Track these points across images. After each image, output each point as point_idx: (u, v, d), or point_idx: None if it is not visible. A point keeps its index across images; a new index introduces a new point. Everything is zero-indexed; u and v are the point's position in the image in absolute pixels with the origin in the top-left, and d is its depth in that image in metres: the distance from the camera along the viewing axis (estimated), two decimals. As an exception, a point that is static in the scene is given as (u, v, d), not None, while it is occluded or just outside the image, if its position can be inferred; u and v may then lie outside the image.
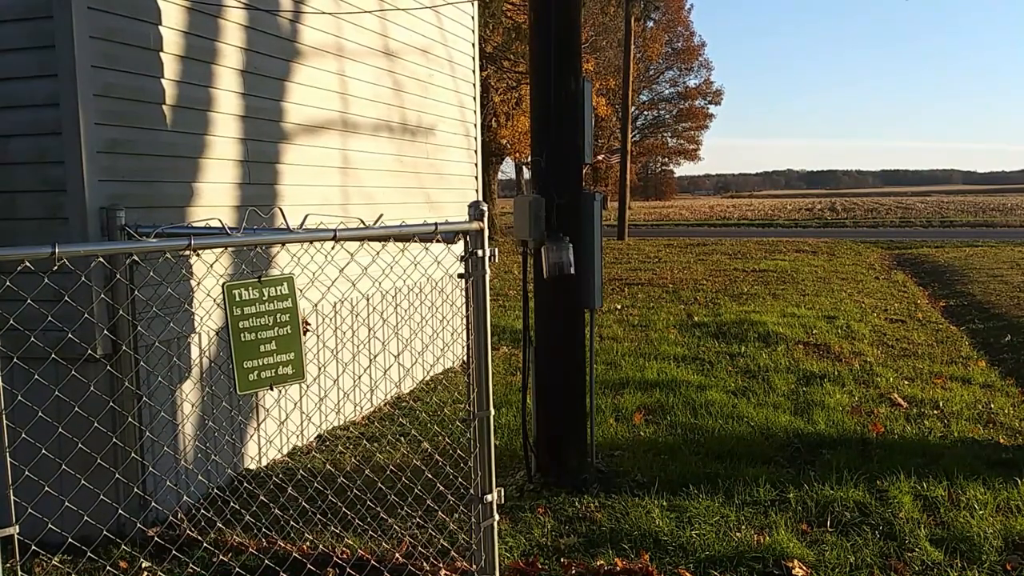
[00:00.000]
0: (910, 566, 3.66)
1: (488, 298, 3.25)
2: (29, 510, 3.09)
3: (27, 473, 3.08)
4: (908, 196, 78.67)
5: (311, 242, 2.80)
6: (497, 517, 3.38)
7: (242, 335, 2.80)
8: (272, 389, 2.93)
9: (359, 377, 5.96)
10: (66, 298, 3.25)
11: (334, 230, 2.81)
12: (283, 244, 2.80)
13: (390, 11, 6.42)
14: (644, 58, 49.15)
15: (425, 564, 3.62)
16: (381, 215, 2.98)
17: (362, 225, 2.96)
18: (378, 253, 3.97)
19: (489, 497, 3.32)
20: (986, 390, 6.60)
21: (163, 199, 4.22)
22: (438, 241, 3.09)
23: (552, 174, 4.54)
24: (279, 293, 2.90)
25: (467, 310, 3.23)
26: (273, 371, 2.92)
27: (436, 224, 3.02)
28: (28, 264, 2.17)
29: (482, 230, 3.14)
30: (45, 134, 3.77)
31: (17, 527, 2.30)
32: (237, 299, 2.79)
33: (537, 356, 4.71)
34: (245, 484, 4.55)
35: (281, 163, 5.15)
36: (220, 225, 2.95)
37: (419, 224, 3.06)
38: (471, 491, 3.33)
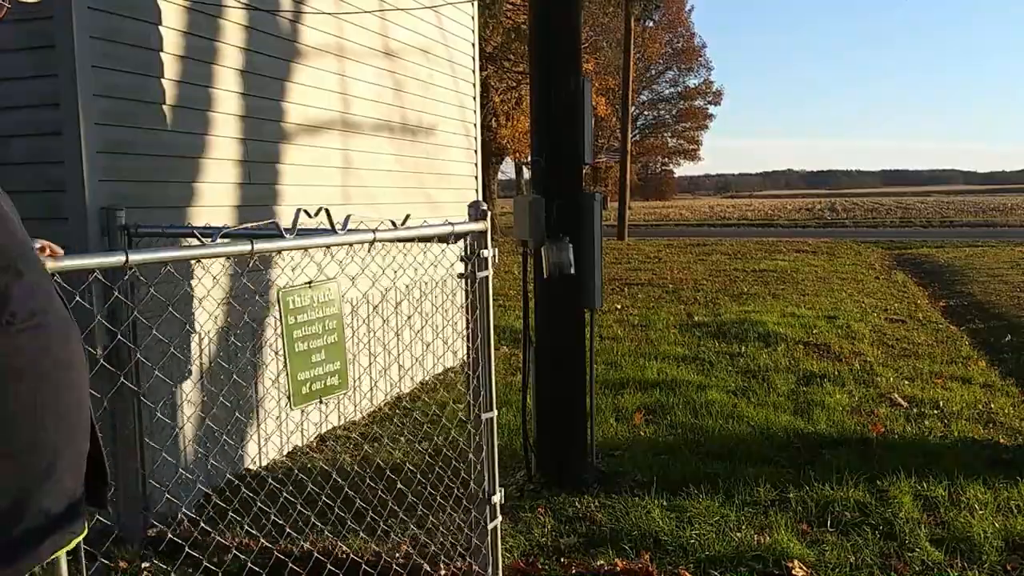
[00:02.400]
0: (910, 566, 3.66)
1: (491, 298, 3.25)
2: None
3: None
4: (908, 196, 78.64)
5: (351, 244, 2.71)
6: (500, 517, 3.39)
7: (296, 344, 2.64)
8: (322, 402, 2.79)
9: (359, 377, 5.96)
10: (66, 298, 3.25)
11: (374, 231, 2.76)
12: (327, 247, 2.69)
13: (390, 11, 6.42)
14: (644, 58, 49.17)
15: (426, 564, 3.62)
16: (408, 215, 2.96)
17: (392, 226, 2.92)
18: (378, 253, 3.97)
19: (494, 498, 3.33)
20: (986, 390, 6.60)
21: (163, 199, 4.22)
22: (440, 241, 3.10)
23: (552, 174, 4.54)
24: (326, 299, 2.74)
25: (467, 311, 3.23)
26: (323, 382, 2.75)
27: (452, 224, 3.04)
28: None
29: (485, 230, 3.15)
30: (45, 134, 3.77)
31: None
32: (291, 306, 2.62)
33: (537, 356, 4.71)
34: (245, 484, 4.55)
35: (282, 163, 5.15)
36: (246, 226, 2.76)
37: (439, 224, 3.06)
38: (479, 494, 3.33)
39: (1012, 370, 7.24)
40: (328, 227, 2.63)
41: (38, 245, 1.82)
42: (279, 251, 2.52)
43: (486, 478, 3.30)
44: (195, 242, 2.26)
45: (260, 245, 2.37)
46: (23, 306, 1.54)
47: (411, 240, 3.13)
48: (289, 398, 2.68)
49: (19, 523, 1.53)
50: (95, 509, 1.77)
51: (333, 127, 5.71)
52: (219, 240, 2.28)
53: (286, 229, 2.47)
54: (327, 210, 2.56)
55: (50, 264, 1.78)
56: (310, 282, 2.72)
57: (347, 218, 2.67)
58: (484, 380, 3.26)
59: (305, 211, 2.47)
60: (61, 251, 1.93)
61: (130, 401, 3.87)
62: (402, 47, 6.61)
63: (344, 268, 3.78)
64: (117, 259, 2.01)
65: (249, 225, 2.59)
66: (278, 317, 2.60)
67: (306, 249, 2.62)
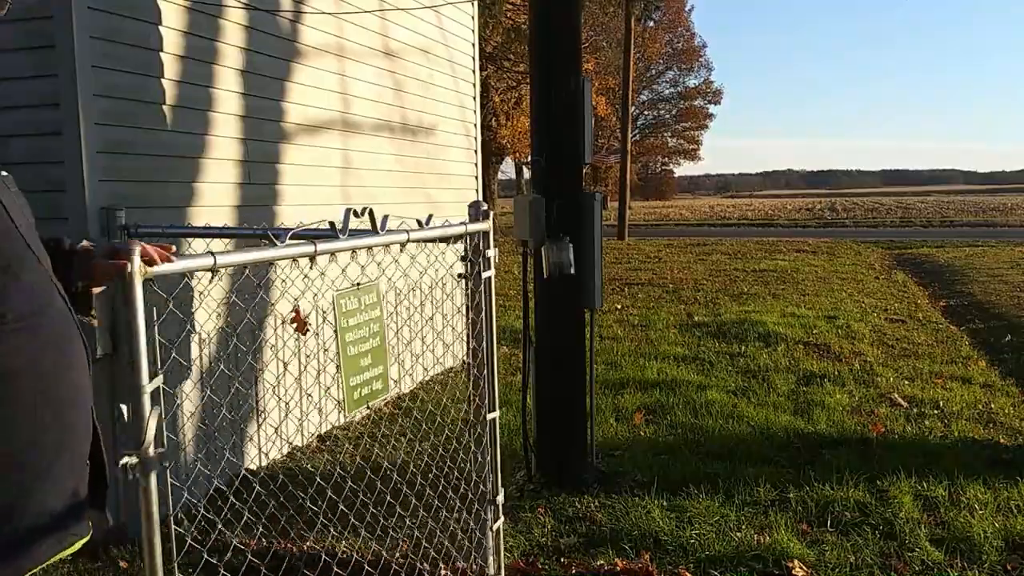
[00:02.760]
0: (910, 566, 3.66)
1: (494, 299, 3.26)
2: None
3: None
4: (908, 196, 78.61)
5: (387, 245, 2.70)
6: (502, 518, 3.39)
7: (348, 348, 2.61)
8: (369, 408, 2.77)
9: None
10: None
11: (407, 231, 2.75)
12: (370, 248, 2.67)
13: (390, 11, 6.42)
14: (644, 58, 49.19)
15: (426, 564, 3.62)
16: (431, 215, 2.96)
17: (417, 227, 2.91)
18: (378, 253, 3.96)
19: (498, 498, 3.33)
20: (986, 390, 6.60)
21: (163, 199, 4.22)
22: (455, 241, 3.12)
23: (552, 174, 4.54)
24: (370, 301, 2.69)
25: (467, 312, 3.23)
26: (370, 387, 2.71)
27: (465, 224, 3.05)
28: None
29: (489, 230, 3.16)
30: (45, 134, 3.77)
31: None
32: (344, 309, 2.58)
33: (537, 356, 4.71)
34: (245, 484, 4.55)
35: (282, 163, 5.15)
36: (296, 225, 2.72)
37: (454, 224, 3.08)
38: (487, 495, 3.34)
39: (1012, 370, 7.24)
40: (337, 228, 2.63)
41: (143, 248, 1.74)
42: (335, 252, 2.51)
43: (489, 478, 3.31)
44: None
45: (322, 246, 2.36)
46: (19, 307, 1.54)
47: (434, 240, 3.15)
48: (342, 404, 2.63)
49: (18, 522, 1.53)
50: (95, 511, 1.76)
51: (333, 127, 5.71)
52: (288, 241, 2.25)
53: (339, 230, 2.44)
54: (371, 211, 2.54)
55: (149, 269, 1.73)
56: (358, 284, 2.68)
57: (385, 218, 2.64)
58: (487, 380, 3.26)
59: (354, 212, 2.46)
60: (172, 248, 1.87)
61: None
62: (402, 47, 6.61)
63: (346, 269, 3.78)
64: (206, 262, 1.97)
65: (310, 225, 2.58)
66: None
67: (354, 250, 2.60)
